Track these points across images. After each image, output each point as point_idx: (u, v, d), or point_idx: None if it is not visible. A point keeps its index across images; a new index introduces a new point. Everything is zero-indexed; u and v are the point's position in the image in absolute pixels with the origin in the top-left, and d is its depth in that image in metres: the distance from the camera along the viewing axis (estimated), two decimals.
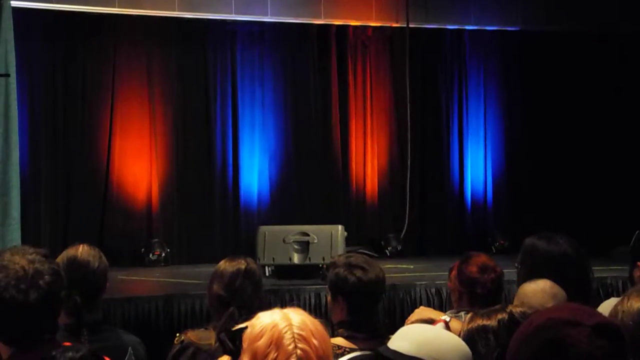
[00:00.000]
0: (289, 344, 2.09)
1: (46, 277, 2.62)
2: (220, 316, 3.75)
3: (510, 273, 4.05)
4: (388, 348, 2.34)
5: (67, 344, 2.72)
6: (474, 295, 4.01)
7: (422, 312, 4.13)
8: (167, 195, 9.67)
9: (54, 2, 8.87)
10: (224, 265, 3.90)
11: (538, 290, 3.13)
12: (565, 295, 3.18)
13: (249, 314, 2.19)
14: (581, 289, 3.51)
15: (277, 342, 2.09)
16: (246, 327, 2.18)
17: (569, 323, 1.71)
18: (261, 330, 2.11)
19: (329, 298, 3.83)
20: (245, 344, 2.13)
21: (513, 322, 2.49)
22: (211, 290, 3.87)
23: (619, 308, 2.29)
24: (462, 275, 4.09)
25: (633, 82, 10.50)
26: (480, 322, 2.56)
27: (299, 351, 2.09)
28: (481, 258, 4.12)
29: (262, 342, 2.09)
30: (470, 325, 2.57)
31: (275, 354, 2.08)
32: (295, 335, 2.09)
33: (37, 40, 9.19)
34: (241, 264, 3.87)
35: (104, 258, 3.68)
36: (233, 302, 3.76)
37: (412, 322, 3.72)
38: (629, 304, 2.28)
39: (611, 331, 1.73)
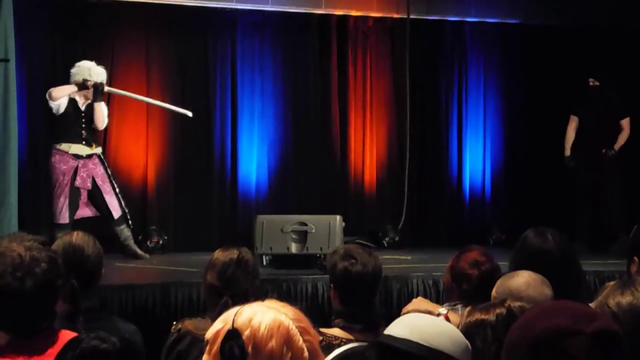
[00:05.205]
0: (298, 340, 2.03)
1: (43, 264, 2.63)
2: (215, 306, 3.77)
3: (506, 266, 4.03)
4: (382, 334, 2.36)
5: (65, 330, 2.72)
6: (462, 290, 4.01)
7: (419, 303, 4.14)
8: (163, 182, 9.64)
9: None
10: (218, 254, 3.95)
11: (530, 281, 3.09)
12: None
13: (244, 303, 2.14)
14: (568, 285, 3.49)
15: (287, 340, 2.01)
16: None
17: (568, 333, 1.70)
18: (269, 331, 2.02)
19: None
20: (250, 349, 2.01)
21: (511, 316, 2.48)
22: (206, 280, 3.92)
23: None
24: (453, 270, 4.10)
25: (635, 76, 10.47)
26: (478, 316, 2.56)
27: (307, 344, 2.04)
28: (473, 253, 4.09)
29: (274, 343, 2.00)
30: (468, 319, 2.57)
31: (290, 353, 2.01)
32: (299, 329, 2.04)
33: (37, 26, 9.14)
34: (233, 254, 3.91)
35: (98, 244, 3.73)
36: (226, 291, 3.78)
37: (409, 312, 3.72)
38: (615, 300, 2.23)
39: (610, 337, 1.73)
